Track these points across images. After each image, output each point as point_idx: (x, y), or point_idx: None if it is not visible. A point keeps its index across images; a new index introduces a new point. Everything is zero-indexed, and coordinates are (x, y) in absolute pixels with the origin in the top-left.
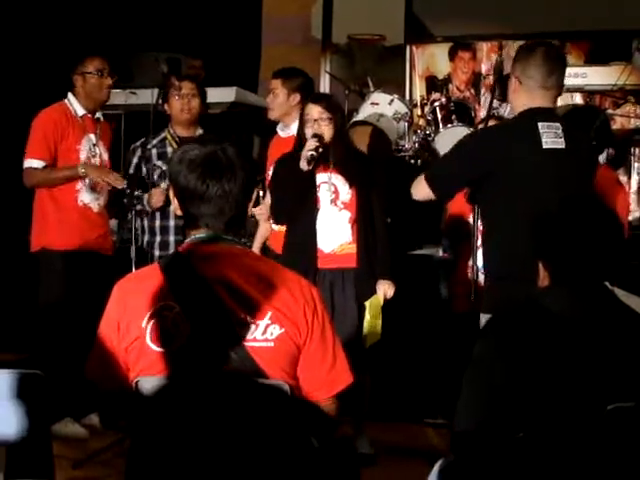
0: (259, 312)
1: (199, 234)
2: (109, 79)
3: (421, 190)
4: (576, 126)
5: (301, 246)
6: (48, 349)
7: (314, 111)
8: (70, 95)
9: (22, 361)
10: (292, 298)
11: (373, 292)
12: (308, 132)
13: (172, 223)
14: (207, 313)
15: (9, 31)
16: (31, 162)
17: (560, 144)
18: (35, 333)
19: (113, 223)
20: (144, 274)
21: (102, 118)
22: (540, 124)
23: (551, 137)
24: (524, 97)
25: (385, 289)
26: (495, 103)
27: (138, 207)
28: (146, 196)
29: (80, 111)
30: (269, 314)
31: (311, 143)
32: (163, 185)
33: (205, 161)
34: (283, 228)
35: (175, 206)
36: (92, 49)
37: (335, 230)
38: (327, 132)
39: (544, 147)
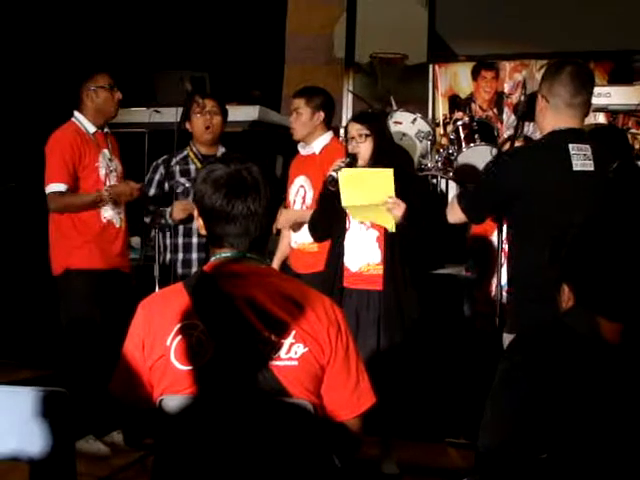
0: (284, 331)
1: (224, 253)
2: (119, 93)
3: (455, 214)
4: (603, 147)
5: (329, 264)
6: (71, 367)
7: (353, 129)
8: (77, 113)
9: (45, 378)
10: (316, 318)
11: (396, 318)
12: (350, 149)
13: (195, 240)
14: (232, 332)
15: (24, 49)
16: (54, 187)
17: (589, 166)
18: (58, 351)
19: (136, 240)
20: (169, 293)
21: (109, 131)
22: (571, 146)
23: (581, 159)
24: (551, 116)
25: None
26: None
27: (161, 221)
28: (168, 210)
29: (91, 128)
30: (293, 333)
31: (336, 163)
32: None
33: (230, 181)
34: (303, 246)
35: (199, 225)
36: (106, 67)
37: (362, 249)
38: (364, 149)
39: (574, 169)
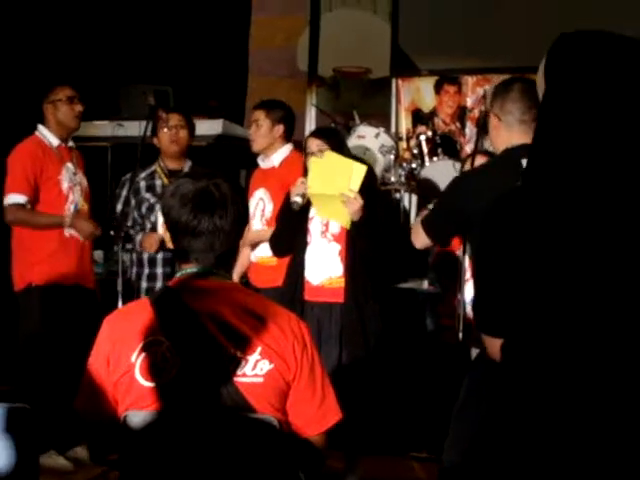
0: (249, 347)
1: (190, 268)
2: (80, 105)
3: (420, 238)
4: None
5: (289, 277)
6: (31, 383)
7: (312, 144)
8: (41, 127)
9: (3, 393)
10: (282, 334)
11: (357, 332)
12: (307, 165)
13: (160, 255)
14: (197, 348)
15: None
16: (13, 198)
17: None
18: (17, 367)
19: (99, 254)
20: (134, 308)
21: (74, 146)
22: (524, 161)
23: None
24: (504, 134)
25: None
26: None
27: (128, 246)
28: (139, 237)
29: (55, 141)
30: (259, 349)
31: (298, 187)
32: (152, 218)
33: (197, 196)
34: (262, 260)
35: (167, 239)
36: (74, 82)
37: (324, 262)
38: None
39: None
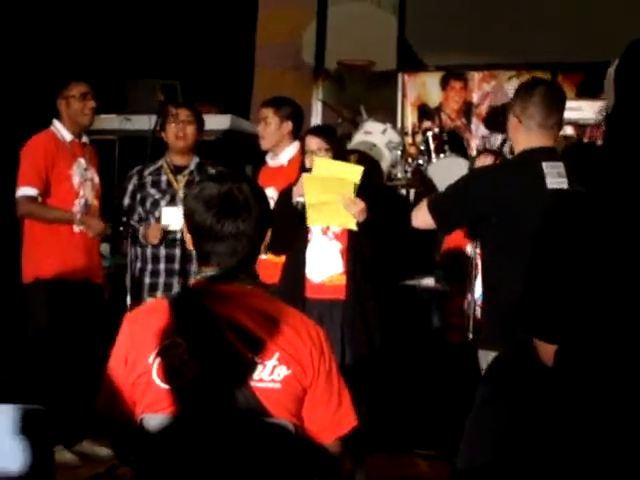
0: (266, 353)
1: (210, 271)
2: (92, 102)
3: (422, 218)
4: (576, 163)
5: (290, 275)
6: (38, 378)
7: (312, 143)
8: (56, 121)
9: (11, 384)
10: (299, 339)
11: (360, 329)
12: (307, 164)
13: (163, 252)
14: (214, 352)
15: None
16: (24, 190)
17: (563, 184)
18: (25, 360)
19: (105, 247)
20: (153, 308)
21: (88, 142)
22: (544, 164)
23: (555, 177)
24: (524, 136)
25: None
26: (485, 132)
27: (135, 239)
28: (142, 229)
29: (68, 137)
30: (277, 355)
31: (299, 186)
32: (156, 214)
33: (221, 200)
34: (271, 256)
35: (187, 240)
36: (82, 75)
37: (325, 260)
38: None
39: (548, 187)
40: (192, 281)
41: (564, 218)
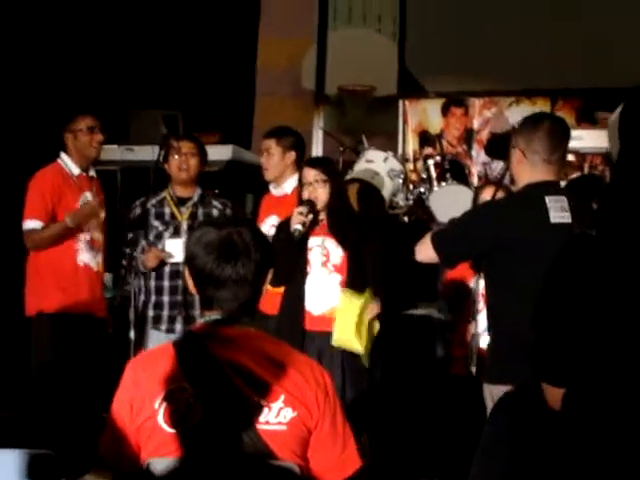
0: (272, 395)
1: (213, 315)
2: (100, 135)
3: (426, 253)
4: (579, 196)
5: (290, 308)
6: (41, 412)
7: (309, 174)
8: (63, 155)
9: (10, 418)
10: (305, 382)
11: (360, 361)
12: (305, 196)
13: (167, 284)
14: (220, 396)
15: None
16: (30, 224)
17: (567, 218)
18: (27, 397)
19: (107, 277)
20: (158, 353)
21: (95, 175)
22: (547, 198)
23: (558, 211)
24: (528, 170)
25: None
26: (486, 159)
27: (137, 268)
28: (141, 257)
29: (75, 170)
30: (282, 397)
31: (297, 217)
32: (160, 246)
33: (221, 244)
34: (272, 288)
35: (190, 285)
36: (85, 107)
37: (325, 293)
38: (322, 195)
39: (552, 222)
40: (196, 325)
41: (572, 263)
